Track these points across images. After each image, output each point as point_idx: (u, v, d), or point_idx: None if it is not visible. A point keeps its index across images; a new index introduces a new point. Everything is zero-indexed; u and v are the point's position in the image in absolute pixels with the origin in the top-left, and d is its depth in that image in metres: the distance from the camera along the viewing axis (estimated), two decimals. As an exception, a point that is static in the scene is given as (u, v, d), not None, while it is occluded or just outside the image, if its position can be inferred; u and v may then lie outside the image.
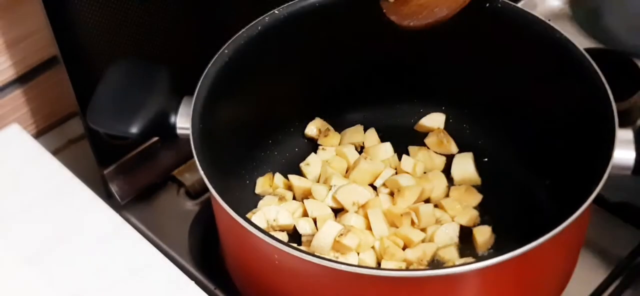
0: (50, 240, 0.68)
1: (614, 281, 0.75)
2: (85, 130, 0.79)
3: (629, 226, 0.79)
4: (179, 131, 0.71)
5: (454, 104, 0.86)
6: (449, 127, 0.86)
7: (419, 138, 0.86)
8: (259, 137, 0.83)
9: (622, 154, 0.65)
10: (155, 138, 0.86)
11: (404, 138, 0.85)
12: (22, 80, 0.84)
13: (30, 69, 0.85)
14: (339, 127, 0.87)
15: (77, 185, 0.73)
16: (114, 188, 0.83)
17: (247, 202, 0.80)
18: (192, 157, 0.86)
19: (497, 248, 0.76)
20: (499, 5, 0.77)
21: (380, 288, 0.61)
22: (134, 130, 0.69)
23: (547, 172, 0.77)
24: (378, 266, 0.73)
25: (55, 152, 0.86)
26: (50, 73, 0.86)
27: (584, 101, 0.70)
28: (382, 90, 0.86)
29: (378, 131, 0.86)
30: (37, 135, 0.88)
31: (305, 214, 0.78)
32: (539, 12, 0.99)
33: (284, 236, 0.77)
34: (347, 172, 0.82)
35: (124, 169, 0.84)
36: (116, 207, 0.79)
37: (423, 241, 0.75)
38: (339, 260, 0.71)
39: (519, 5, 0.79)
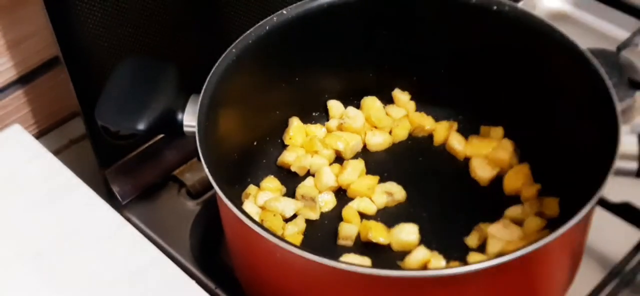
0: (51, 240, 0.68)
1: (613, 281, 0.75)
2: (87, 130, 0.79)
3: (629, 226, 0.79)
4: (185, 129, 0.71)
5: (460, 106, 0.85)
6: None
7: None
8: (265, 137, 0.82)
9: (626, 156, 0.65)
10: (157, 138, 0.86)
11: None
12: (23, 80, 0.85)
13: (32, 70, 0.85)
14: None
15: (79, 185, 0.73)
16: (115, 188, 0.83)
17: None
18: (193, 156, 0.86)
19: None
20: (506, 8, 0.77)
21: (381, 287, 0.61)
22: (141, 126, 0.70)
23: (549, 173, 0.77)
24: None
25: (57, 152, 0.86)
26: (51, 73, 0.86)
27: (588, 102, 0.70)
28: (390, 91, 0.86)
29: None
30: (39, 136, 0.89)
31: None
32: (537, 12, 0.99)
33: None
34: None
35: (125, 169, 0.84)
36: (117, 207, 0.79)
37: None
38: (342, 260, 0.71)
39: (519, 5, 0.78)
